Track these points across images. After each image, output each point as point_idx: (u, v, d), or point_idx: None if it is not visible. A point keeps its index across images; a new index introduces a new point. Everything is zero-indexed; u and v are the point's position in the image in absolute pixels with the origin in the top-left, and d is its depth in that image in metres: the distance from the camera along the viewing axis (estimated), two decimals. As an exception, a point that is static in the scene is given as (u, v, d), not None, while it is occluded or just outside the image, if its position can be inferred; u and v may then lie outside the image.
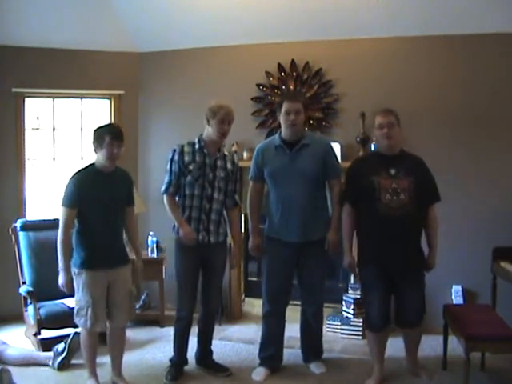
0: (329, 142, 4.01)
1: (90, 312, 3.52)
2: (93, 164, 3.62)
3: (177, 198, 3.84)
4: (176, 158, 3.78)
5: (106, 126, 3.70)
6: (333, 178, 3.86)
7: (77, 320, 3.61)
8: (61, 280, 3.54)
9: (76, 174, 3.59)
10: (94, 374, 3.68)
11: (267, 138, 5.01)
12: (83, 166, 3.65)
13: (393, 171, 3.56)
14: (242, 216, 5.23)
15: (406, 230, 3.53)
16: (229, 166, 3.88)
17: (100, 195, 3.53)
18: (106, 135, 3.50)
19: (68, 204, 3.51)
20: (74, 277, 3.59)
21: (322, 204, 3.90)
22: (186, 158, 3.77)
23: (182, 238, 3.76)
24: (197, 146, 3.80)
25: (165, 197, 3.82)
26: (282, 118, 3.80)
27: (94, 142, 3.55)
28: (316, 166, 3.79)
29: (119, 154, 3.54)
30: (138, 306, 4.89)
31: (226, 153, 3.92)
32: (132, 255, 3.84)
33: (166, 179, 3.81)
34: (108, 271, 3.56)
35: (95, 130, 3.61)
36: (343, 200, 3.74)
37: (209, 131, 3.78)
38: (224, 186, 3.85)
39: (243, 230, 5.28)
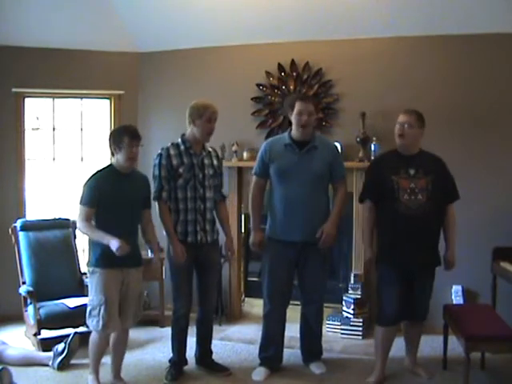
0: (336, 146, 4.05)
1: (102, 311, 3.50)
2: (111, 165, 3.66)
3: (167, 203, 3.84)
4: (164, 162, 3.75)
5: (121, 127, 3.70)
6: (338, 180, 3.89)
7: (89, 322, 3.59)
8: (114, 246, 3.38)
9: (95, 173, 3.63)
10: (96, 372, 3.69)
11: (266, 139, 5.05)
12: (102, 167, 3.69)
13: (412, 171, 3.61)
14: (242, 216, 5.25)
15: (424, 229, 3.58)
16: (215, 162, 3.90)
17: (117, 195, 3.55)
18: (125, 136, 3.52)
19: (86, 203, 3.53)
20: (88, 275, 3.63)
21: (326, 206, 3.91)
22: (174, 162, 3.75)
23: (172, 256, 3.77)
24: (182, 148, 3.79)
25: (157, 204, 3.79)
26: (293, 119, 3.80)
27: (111, 145, 3.58)
28: (323, 169, 3.81)
29: (138, 153, 3.58)
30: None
31: (210, 149, 3.92)
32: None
33: (156, 185, 3.77)
34: (122, 271, 3.56)
35: (111, 133, 3.67)
36: (363, 197, 3.80)
37: (194, 131, 3.77)
38: (213, 182, 3.86)
39: (243, 230, 5.30)
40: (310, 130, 3.82)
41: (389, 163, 3.71)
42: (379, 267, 3.77)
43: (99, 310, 3.51)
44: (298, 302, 4.08)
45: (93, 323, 3.56)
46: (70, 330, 4.28)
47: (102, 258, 3.53)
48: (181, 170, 3.75)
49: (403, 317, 3.72)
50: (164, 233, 3.85)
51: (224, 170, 4.15)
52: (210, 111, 3.73)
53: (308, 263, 3.87)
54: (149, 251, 5.00)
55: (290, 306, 4.02)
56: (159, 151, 3.81)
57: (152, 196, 3.78)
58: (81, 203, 3.56)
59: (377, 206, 3.73)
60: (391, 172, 3.62)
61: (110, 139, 3.62)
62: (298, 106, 3.78)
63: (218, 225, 3.98)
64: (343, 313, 4.77)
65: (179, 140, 3.82)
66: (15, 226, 4.77)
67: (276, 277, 3.89)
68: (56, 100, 5.41)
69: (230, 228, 4.10)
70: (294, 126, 3.83)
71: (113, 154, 3.62)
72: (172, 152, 3.77)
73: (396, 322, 3.70)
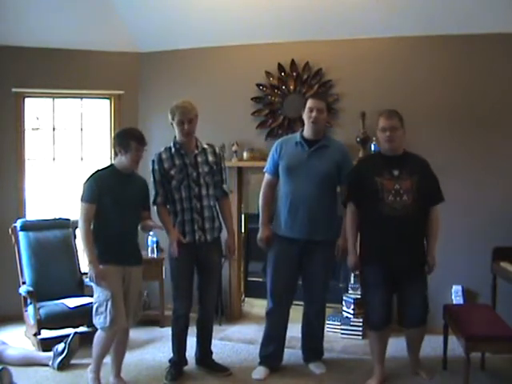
0: (347, 149, 4.01)
1: (109, 306, 3.50)
2: (112, 165, 3.72)
3: (168, 206, 3.86)
4: (156, 167, 3.81)
5: (128, 131, 3.73)
6: (344, 184, 3.87)
7: (96, 320, 3.58)
8: (91, 273, 3.52)
9: (96, 172, 3.68)
10: (97, 371, 3.68)
11: (266, 139, 5.06)
12: (103, 166, 3.75)
13: (396, 172, 3.58)
14: (243, 216, 5.25)
15: (409, 230, 3.54)
16: (211, 158, 3.87)
17: (117, 194, 3.59)
18: (132, 141, 3.57)
19: (88, 199, 3.56)
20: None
21: (331, 206, 3.90)
22: (166, 165, 3.79)
23: (171, 244, 3.79)
24: (173, 150, 3.81)
25: (155, 208, 3.85)
26: (304, 116, 3.85)
27: (116, 146, 3.64)
28: (330, 168, 3.81)
29: (142, 156, 3.65)
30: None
31: (206, 146, 3.91)
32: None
33: (153, 190, 3.84)
34: (123, 268, 3.60)
35: (117, 135, 3.71)
36: (347, 200, 3.76)
37: (176, 133, 3.81)
38: (210, 179, 3.85)
39: (243, 230, 5.30)
40: (320, 128, 3.85)
41: (372, 165, 3.69)
42: (363, 271, 3.74)
43: (106, 306, 3.51)
44: (301, 303, 4.07)
45: (100, 320, 3.55)
46: (70, 330, 4.29)
47: (104, 254, 3.56)
48: (172, 172, 3.77)
49: (390, 321, 3.68)
50: (165, 234, 3.87)
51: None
52: (179, 112, 3.74)
53: (311, 262, 3.87)
54: (149, 250, 5.05)
55: (292, 306, 4.01)
56: (152, 157, 3.85)
57: (151, 202, 3.83)
58: (81, 200, 3.60)
59: (360, 209, 3.70)
60: (374, 173, 3.59)
61: (115, 140, 3.68)
62: (309, 103, 3.83)
63: (221, 222, 3.97)
64: (343, 313, 4.77)
65: (171, 143, 3.85)
66: (15, 226, 4.77)
67: (279, 274, 3.90)
68: (56, 100, 5.41)
69: (233, 225, 4.09)
70: (305, 124, 3.87)
71: (116, 155, 3.67)
72: (164, 156, 3.82)
73: (383, 327, 3.66)
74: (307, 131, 3.86)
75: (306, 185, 3.78)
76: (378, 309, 3.62)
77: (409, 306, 3.66)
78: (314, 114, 3.78)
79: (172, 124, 3.79)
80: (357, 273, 4.74)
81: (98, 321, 3.57)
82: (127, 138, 3.59)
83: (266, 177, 4.00)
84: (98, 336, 3.62)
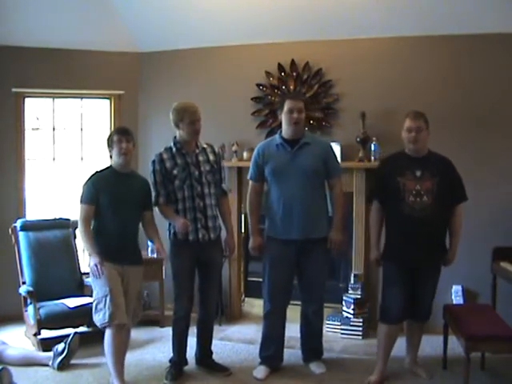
0: (328, 143, 4.06)
1: (108, 301, 3.50)
2: (110, 166, 3.76)
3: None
4: (157, 167, 3.80)
5: (113, 129, 3.85)
6: (333, 177, 3.89)
7: (96, 318, 3.57)
8: (91, 262, 3.54)
9: (95, 173, 3.75)
10: (119, 374, 3.56)
11: (267, 139, 5.05)
12: (101, 168, 3.80)
13: (418, 173, 3.62)
14: (242, 216, 5.25)
15: (429, 230, 3.59)
16: (211, 157, 3.88)
17: (115, 194, 3.63)
18: (114, 135, 3.70)
19: (86, 201, 3.62)
20: (90, 273, 3.62)
21: (323, 202, 3.92)
22: (168, 165, 3.78)
23: (177, 230, 3.76)
24: (174, 150, 3.81)
25: (157, 208, 3.84)
26: (284, 117, 3.82)
27: (107, 147, 3.73)
28: (317, 164, 3.82)
29: (129, 148, 3.68)
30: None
31: (205, 145, 3.92)
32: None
33: (154, 192, 3.82)
34: (122, 267, 3.62)
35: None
36: (372, 197, 3.84)
37: (181, 133, 3.80)
38: (212, 178, 3.85)
39: (243, 230, 5.29)
40: (301, 128, 3.85)
41: (396, 164, 3.73)
42: (385, 266, 3.79)
43: (105, 302, 3.51)
44: (299, 302, 4.08)
45: (99, 317, 3.54)
46: (70, 330, 4.29)
47: (102, 253, 3.57)
48: (175, 172, 3.77)
49: (407, 316, 3.74)
50: (166, 235, 3.87)
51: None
52: (189, 113, 3.74)
53: (308, 261, 3.87)
54: (149, 250, 5.04)
55: (290, 306, 4.02)
56: (153, 158, 3.85)
57: (152, 203, 3.83)
58: (80, 202, 3.65)
59: (384, 207, 3.76)
60: (397, 173, 3.64)
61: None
62: (287, 104, 3.80)
63: (220, 222, 3.97)
64: (343, 313, 4.77)
65: (171, 143, 3.85)
66: (15, 226, 4.77)
67: (276, 276, 3.90)
68: (56, 100, 5.41)
69: (232, 224, 4.09)
70: (284, 125, 3.85)
71: (111, 157, 3.73)
72: (165, 156, 3.81)
73: (400, 320, 3.72)
74: (287, 132, 3.85)
75: (295, 185, 3.79)
76: (398, 301, 3.64)
77: (418, 302, 3.71)
78: (295, 115, 3.77)
79: (178, 125, 3.78)
80: (357, 272, 4.79)
81: (97, 318, 3.56)
82: (110, 135, 3.74)
83: (251, 184, 4.00)
84: (106, 337, 3.57)
